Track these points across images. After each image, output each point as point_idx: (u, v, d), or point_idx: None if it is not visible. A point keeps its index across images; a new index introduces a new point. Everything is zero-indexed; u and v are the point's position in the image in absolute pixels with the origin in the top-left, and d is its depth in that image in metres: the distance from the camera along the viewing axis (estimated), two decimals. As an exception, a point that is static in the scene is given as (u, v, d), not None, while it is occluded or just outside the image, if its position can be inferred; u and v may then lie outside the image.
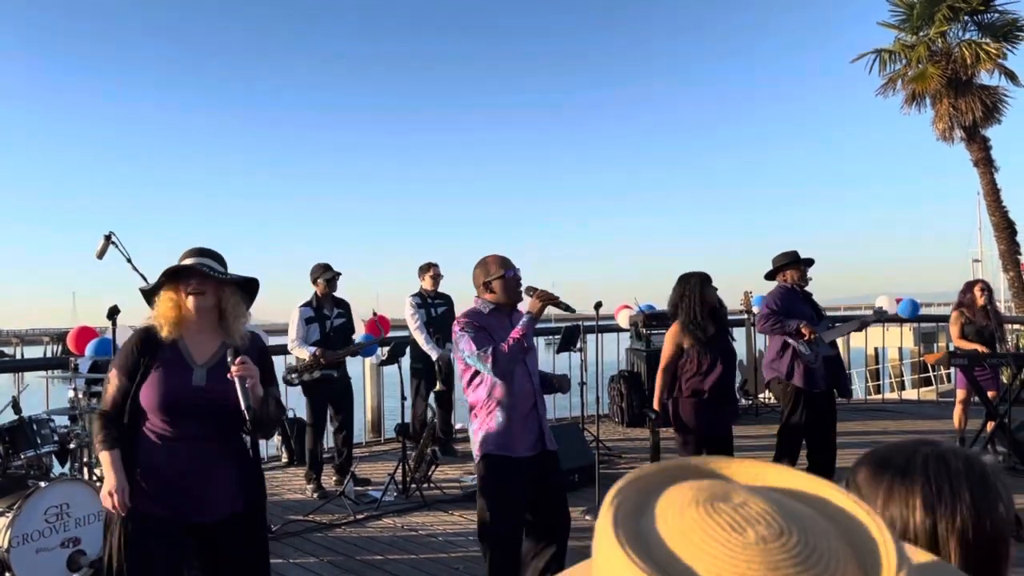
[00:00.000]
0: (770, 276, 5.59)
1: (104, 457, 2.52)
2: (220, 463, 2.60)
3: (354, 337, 6.47)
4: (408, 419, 6.78)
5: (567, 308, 3.64)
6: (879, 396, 13.00)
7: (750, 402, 9.13)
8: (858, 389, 16.50)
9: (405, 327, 7.10)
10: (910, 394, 14.63)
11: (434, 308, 7.01)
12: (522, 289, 3.58)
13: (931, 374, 17.87)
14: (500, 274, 3.54)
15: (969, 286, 6.86)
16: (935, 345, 18.87)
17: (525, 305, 3.55)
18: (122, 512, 2.46)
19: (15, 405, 4.41)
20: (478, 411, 3.56)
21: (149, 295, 2.68)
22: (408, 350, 6.88)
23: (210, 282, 2.61)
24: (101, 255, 4.68)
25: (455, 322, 3.58)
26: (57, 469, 4.71)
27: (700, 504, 0.53)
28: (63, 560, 3.95)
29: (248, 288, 2.75)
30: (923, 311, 14.36)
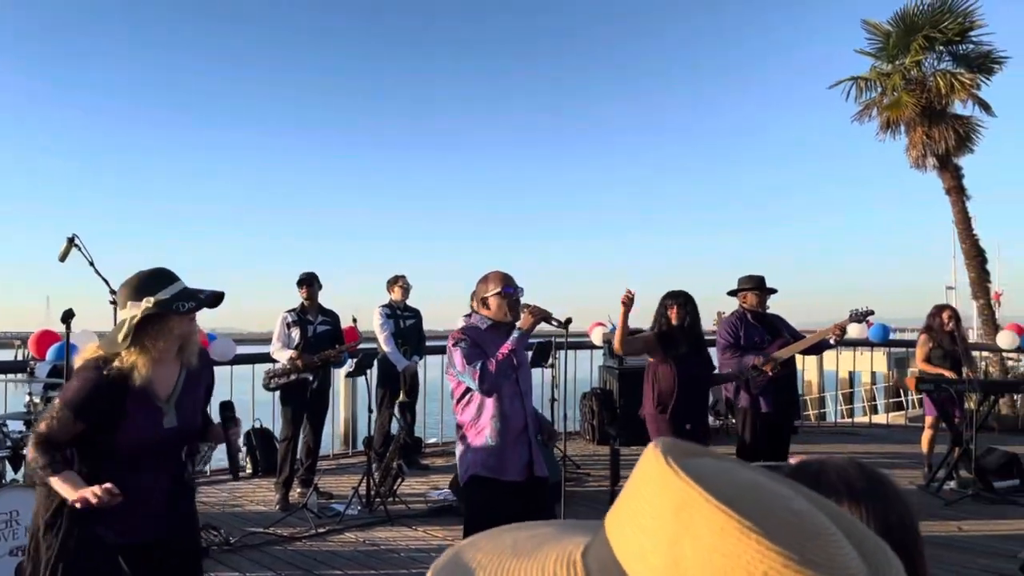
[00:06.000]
0: (732, 293, 5.77)
1: (55, 482, 2.33)
2: (164, 486, 2.55)
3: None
4: (373, 431, 6.73)
5: (560, 324, 3.65)
6: (850, 420, 13.08)
7: (721, 422, 9.14)
8: (830, 412, 16.58)
9: (374, 339, 7.08)
10: (881, 418, 14.71)
11: (403, 320, 7.03)
12: (520, 308, 3.53)
13: (903, 398, 18.07)
14: (497, 290, 3.51)
15: (938, 310, 6.89)
16: (908, 370, 19.05)
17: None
18: (109, 499, 2.27)
19: (-32, 409, 4.31)
20: (467, 430, 3.49)
21: (148, 318, 2.38)
22: (376, 362, 6.85)
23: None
24: (63, 258, 4.62)
25: (450, 336, 3.54)
26: (10, 475, 4.61)
27: (741, 468, 0.56)
28: (11, 569, 3.86)
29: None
30: (898, 336, 14.50)
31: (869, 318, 5.72)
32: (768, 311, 5.67)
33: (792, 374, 5.60)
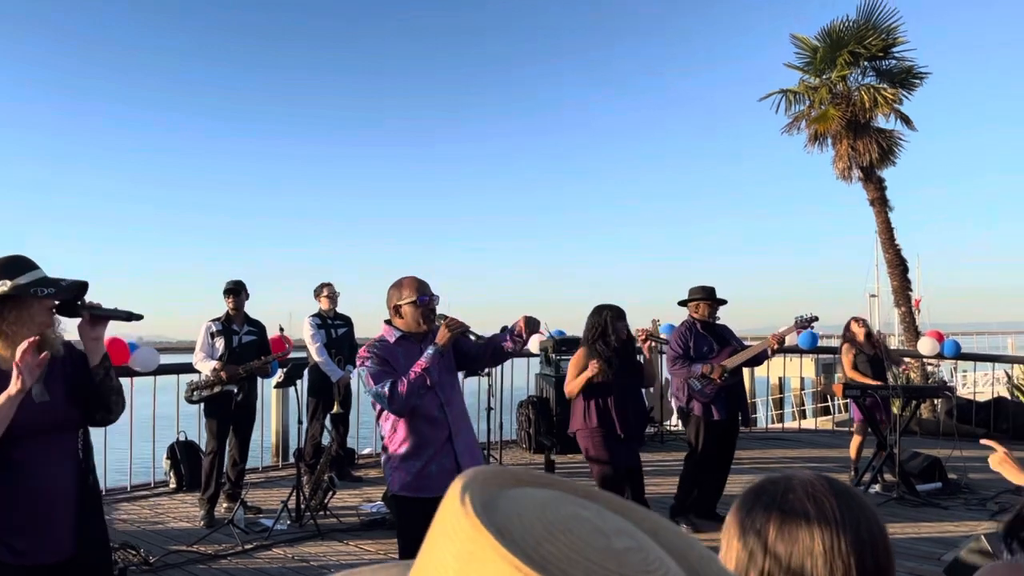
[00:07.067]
0: (683, 303, 5.82)
1: None
2: (65, 491, 2.36)
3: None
4: (303, 443, 6.57)
5: (479, 338, 3.46)
6: (780, 425, 13.37)
7: (656, 429, 9.21)
8: (762, 417, 16.93)
9: (304, 348, 6.89)
10: (809, 423, 15.08)
11: (334, 329, 6.84)
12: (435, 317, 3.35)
13: (830, 404, 18.57)
14: (411, 299, 3.31)
15: (848, 324, 7.14)
16: (835, 376, 19.60)
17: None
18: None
19: None
20: (387, 442, 3.36)
21: (5, 302, 2.29)
22: (306, 372, 6.68)
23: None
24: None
25: (359, 352, 3.37)
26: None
27: (564, 501, 0.48)
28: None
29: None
30: (824, 343, 14.87)
31: (812, 324, 5.90)
32: (718, 321, 5.76)
33: (740, 381, 5.69)
